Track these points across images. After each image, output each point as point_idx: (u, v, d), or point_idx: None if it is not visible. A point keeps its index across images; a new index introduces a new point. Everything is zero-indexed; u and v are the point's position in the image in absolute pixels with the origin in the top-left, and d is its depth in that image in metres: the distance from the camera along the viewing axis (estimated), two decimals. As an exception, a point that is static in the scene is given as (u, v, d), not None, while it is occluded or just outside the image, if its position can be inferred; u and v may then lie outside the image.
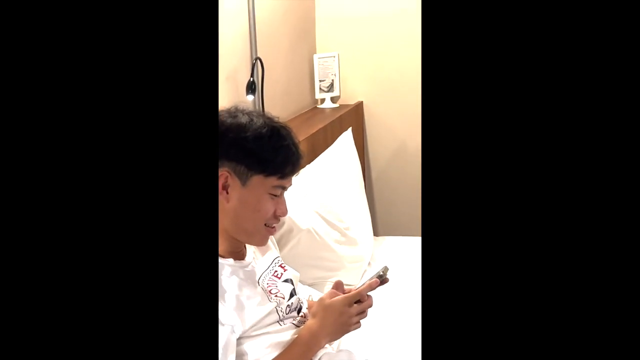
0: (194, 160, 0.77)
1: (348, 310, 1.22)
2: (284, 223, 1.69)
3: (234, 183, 1.19)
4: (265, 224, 1.23)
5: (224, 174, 1.18)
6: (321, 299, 1.28)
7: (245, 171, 1.18)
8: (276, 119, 1.24)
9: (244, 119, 1.19)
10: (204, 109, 0.78)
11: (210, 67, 0.78)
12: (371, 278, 1.25)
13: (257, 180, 1.19)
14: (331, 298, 1.25)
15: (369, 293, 1.23)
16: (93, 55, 0.75)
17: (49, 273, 0.73)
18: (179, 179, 0.76)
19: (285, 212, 1.24)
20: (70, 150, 0.74)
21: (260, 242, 1.28)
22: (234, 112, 1.22)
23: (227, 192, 1.19)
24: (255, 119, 1.20)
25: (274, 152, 1.19)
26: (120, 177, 0.75)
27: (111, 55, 0.75)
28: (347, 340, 1.31)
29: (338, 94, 2.81)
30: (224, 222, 1.21)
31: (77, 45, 0.75)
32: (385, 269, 1.25)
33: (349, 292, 1.27)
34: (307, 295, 1.49)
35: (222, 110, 1.22)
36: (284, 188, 1.23)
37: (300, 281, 1.47)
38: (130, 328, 0.75)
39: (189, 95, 0.77)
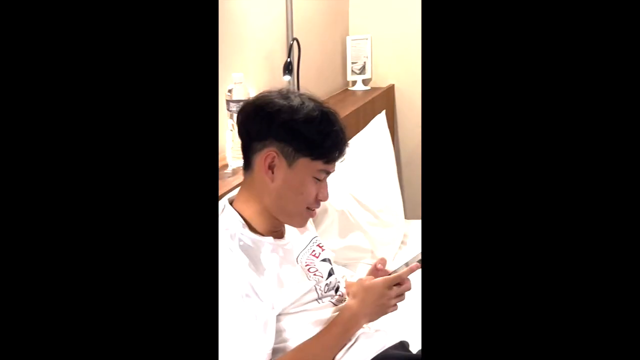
0: (194, 158, 0.78)
1: (388, 292, 1.23)
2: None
3: (280, 163, 1.19)
4: (307, 207, 1.24)
5: (272, 153, 1.19)
6: (361, 280, 1.30)
7: (292, 153, 1.19)
8: (325, 104, 1.24)
9: (295, 101, 1.19)
10: (204, 105, 0.78)
11: (210, 64, 0.79)
12: (411, 262, 1.26)
13: (303, 162, 1.19)
14: (370, 279, 1.26)
15: (408, 277, 1.25)
16: (93, 52, 0.75)
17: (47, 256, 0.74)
18: (178, 176, 0.77)
19: (326, 197, 1.25)
20: (73, 144, 0.75)
21: (300, 224, 1.29)
22: (285, 93, 1.22)
23: (273, 172, 1.20)
24: (307, 102, 1.20)
25: (323, 136, 1.19)
26: (119, 171, 0.76)
27: (109, 56, 0.75)
28: (383, 322, 1.32)
29: (370, 77, 2.80)
30: (266, 201, 1.22)
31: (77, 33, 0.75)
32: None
33: (387, 274, 1.27)
34: (342, 275, 1.50)
35: (273, 91, 1.23)
36: (328, 173, 1.24)
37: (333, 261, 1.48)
38: (128, 322, 0.76)
39: (189, 94, 0.77)
